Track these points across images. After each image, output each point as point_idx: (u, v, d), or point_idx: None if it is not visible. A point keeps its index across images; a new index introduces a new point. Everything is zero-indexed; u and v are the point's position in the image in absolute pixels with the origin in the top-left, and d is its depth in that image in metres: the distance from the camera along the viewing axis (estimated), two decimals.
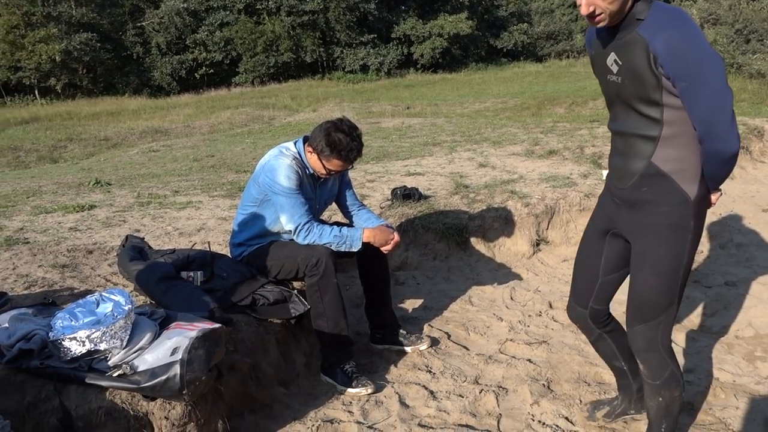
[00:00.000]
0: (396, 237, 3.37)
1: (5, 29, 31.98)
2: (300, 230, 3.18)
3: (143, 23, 36.74)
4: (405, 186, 5.22)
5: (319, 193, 3.40)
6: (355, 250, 3.25)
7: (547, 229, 5.00)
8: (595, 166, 6.33)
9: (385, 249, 3.34)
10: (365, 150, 8.53)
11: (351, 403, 2.99)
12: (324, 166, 3.18)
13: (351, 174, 6.36)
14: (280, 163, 3.18)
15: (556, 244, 4.97)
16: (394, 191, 5.13)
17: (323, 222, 3.41)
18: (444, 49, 39.51)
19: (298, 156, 3.24)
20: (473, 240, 4.81)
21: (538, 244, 4.92)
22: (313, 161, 3.21)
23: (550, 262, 4.80)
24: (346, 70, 38.91)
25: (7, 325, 2.55)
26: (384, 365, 3.38)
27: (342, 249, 3.22)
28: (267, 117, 18.90)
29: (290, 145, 3.28)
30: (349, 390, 3.09)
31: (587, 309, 2.53)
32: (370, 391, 3.07)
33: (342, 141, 3.10)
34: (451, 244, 4.76)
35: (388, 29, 40.44)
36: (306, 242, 3.18)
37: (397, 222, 4.71)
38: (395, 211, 4.82)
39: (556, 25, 46.61)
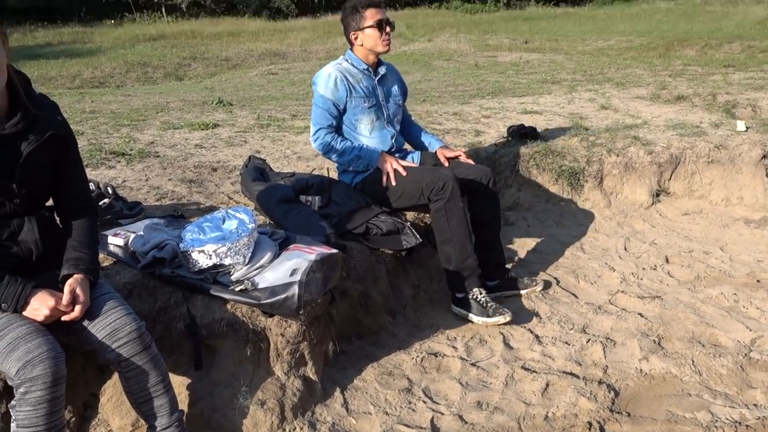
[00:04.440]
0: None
1: None
2: (322, 142, 3.28)
3: None
4: (522, 124, 5.08)
5: (382, 89, 3.43)
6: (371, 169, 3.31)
7: (670, 179, 4.75)
8: (728, 115, 5.91)
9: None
10: (481, 84, 8.38)
11: (455, 338, 3.03)
12: (372, 32, 3.22)
13: (466, 108, 6.27)
14: (323, 71, 3.31)
15: (677, 197, 4.73)
16: (510, 129, 5.01)
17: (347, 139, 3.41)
18: None
19: (344, 59, 3.35)
20: (589, 185, 4.66)
21: (658, 195, 4.70)
22: (362, 48, 3.30)
23: (670, 214, 4.59)
24: None
25: (142, 233, 2.74)
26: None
27: (359, 167, 3.31)
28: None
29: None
30: (487, 320, 3.07)
31: None
32: (508, 319, 3.04)
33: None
34: (565, 188, 4.63)
35: None
36: (324, 149, 3.29)
37: (511, 161, 4.63)
38: (510, 150, 4.72)
39: None
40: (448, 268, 3.18)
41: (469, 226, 3.20)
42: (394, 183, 3.23)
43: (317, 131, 3.29)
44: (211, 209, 3.37)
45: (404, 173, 3.23)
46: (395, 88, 3.53)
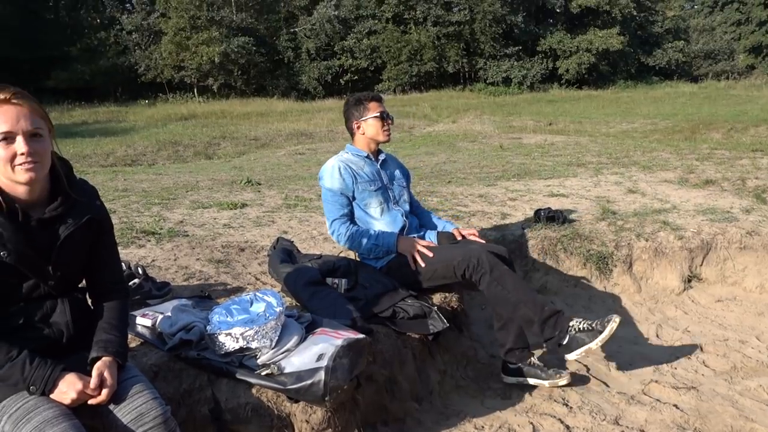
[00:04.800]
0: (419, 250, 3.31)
1: (173, 31, 34.62)
2: (339, 234, 3.36)
3: (296, 29, 38.47)
4: (549, 208, 5.09)
5: (386, 173, 3.55)
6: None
7: (701, 265, 4.68)
8: (759, 201, 5.86)
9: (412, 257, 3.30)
10: (506, 166, 8.45)
11: (483, 427, 2.95)
12: (374, 123, 3.40)
13: (492, 190, 6.31)
14: (326, 165, 3.45)
15: (710, 283, 4.65)
16: (537, 212, 5.01)
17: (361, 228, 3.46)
18: (591, 65, 38.37)
19: (345, 152, 3.51)
20: (618, 270, 4.60)
21: (689, 281, 4.62)
22: (364, 137, 3.46)
23: (703, 301, 4.50)
24: (488, 81, 38.76)
25: (169, 314, 2.74)
26: (517, 392, 3.29)
27: (380, 254, 3.36)
28: (407, 126, 19.15)
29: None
30: (550, 382, 3.12)
31: None
32: (567, 380, 3.12)
33: (360, 93, 3.54)
34: (593, 272, 4.58)
35: (533, 42, 39.85)
36: (342, 240, 3.37)
37: (538, 244, 4.61)
38: (538, 233, 4.71)
39: (716, 44, 43.95)
40: (532, 323, 3.10)
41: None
42: (423, 265, 3.24)
43: (332, 223, 3.42)
44: (239, 290, 3.38)
45: (430, 254, 3.25)
46: (397, 172, 3.67)
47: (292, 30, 38.63)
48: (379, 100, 3.45)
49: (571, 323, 3.07)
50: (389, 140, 3.53)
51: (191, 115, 24.25)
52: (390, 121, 3.48)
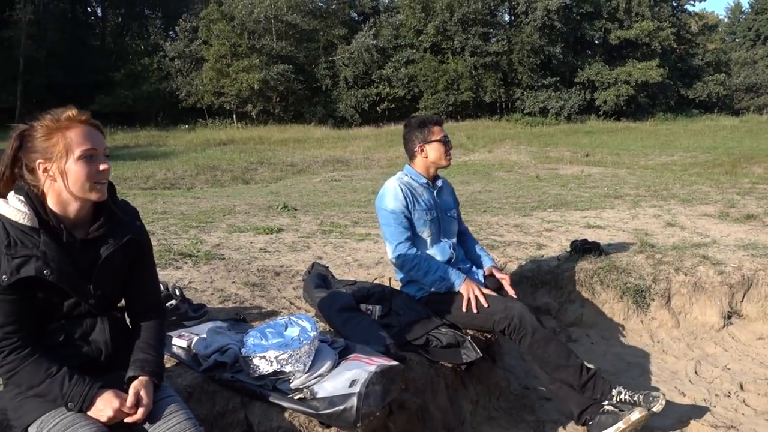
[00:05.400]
0: (475, 295, 3.18)
1: (214, 58, 35.39)
2: (404, 260, 3.24)
3: (334, 58, 38.98)
4: (585, 239, 5.03)
5: (441, 202, 3.49)
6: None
7: (742, 301, 4.57)
8: None
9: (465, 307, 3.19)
10: (542, 196, 8.40)
11: None
12: (438, 147, 3.35)
13: (528, 221, 6.27)
14: (387, 185, 3.37)
15: (751, 319, 4.53)
16: (573, 244, 4.96)
17: (431, 258, 3.38)
18: (630, 97, 38.04)
19: (404, 173, 3.44)
20: (656, 304, 4.51)
21: (729, 317, 4.51)
22: (426, 161, 3.40)
23: (743, 338, 4.38)
24: (524, 112, 38.68)
25: (205, 335, 2.77)
26: (551, 426, 3.24)
27: (441, 289, 3.26)
28: None
29: (399, 172, 3.49)
30: (630, 418, 2.84)
31: None
32: (645, 412, 2.86)
33: (422, 116, 3.47)
34: (630, 305, 4.50)
35: (571, 73, 39.73)
36: (408, 266, 3.25)
37: (574, 276, 4.55)
38: (573, 264, 4.66)
39: (758, 77, 43.24)
40: (574, 388, 3.02)
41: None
42: (475, 311, 3.15)
43: (396, 247, 3.26)
44: (273, 314, 3.40)
45: (486, 304, 3.15)
46: (451, 201, 3.61)
47: (330, 58, 39.14)
48: (441, 124, 3.42)
49: (613, 391, 3.00)
50: (450, 164, 3.47)
51: (230, 141, 24.68)
52: (450, 147, 3.44)
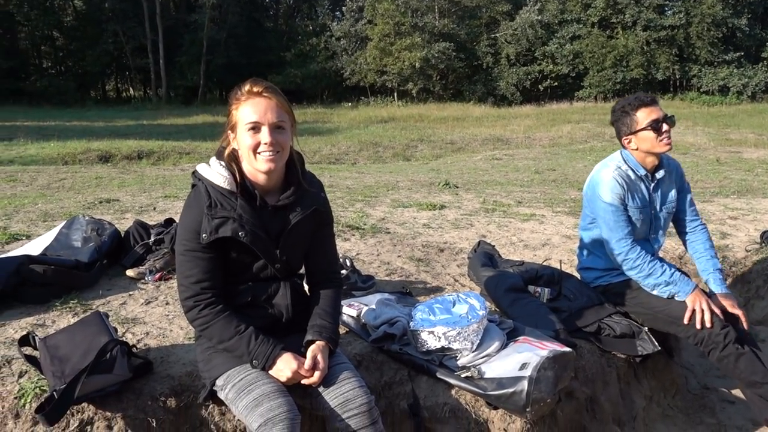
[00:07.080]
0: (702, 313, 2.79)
1: (378, 37, 36.04)
2: (625, 258, 2.93)
3: (497, 35, 38.26)
4: None
5: (657, 196, 3.07)
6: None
7: None
8: None
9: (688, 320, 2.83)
10: (724, 181, 7.74)
11: None
12: (647, 135, 2.88)
13: (708, 207, 5.80)
14: (602, 175, 3.00)
15: None
16: (764, 234, 4.51)
17: (659, 258, 3.04)
18: None
19: (622, 161, 3.01)
20: None
21: None
22: (639, 152, 2.96)
23: None
24: (701, 90, 35.88)
25: (374, 306, 2.82)
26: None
27: (663, 294, 2.91)
28: (609, 134, 18.25)
29: (615, 154, 3.07)
30: None
31: None
32: None
33: (626, 99, 3.00)
34: None
35: (758, 48, 36.19)
36: (630, 266, 2.93)
37: (765, 270, 4.14)
38: (763, 257, 4.24)
39: None
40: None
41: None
42: (699, 326, 2.80)
43: (618, 243, 2.95)
44: (437, 290, 3.40)
45: (709, 324, 2.79)
46: (672, 193, 3.13)
47: (492, 35, 38.48)
48: (649, 104, 2.91)
49: None
50: (671, 148, 2.93)
51: (391, 118, 25.09)
52: (669, 125, 2.90)
